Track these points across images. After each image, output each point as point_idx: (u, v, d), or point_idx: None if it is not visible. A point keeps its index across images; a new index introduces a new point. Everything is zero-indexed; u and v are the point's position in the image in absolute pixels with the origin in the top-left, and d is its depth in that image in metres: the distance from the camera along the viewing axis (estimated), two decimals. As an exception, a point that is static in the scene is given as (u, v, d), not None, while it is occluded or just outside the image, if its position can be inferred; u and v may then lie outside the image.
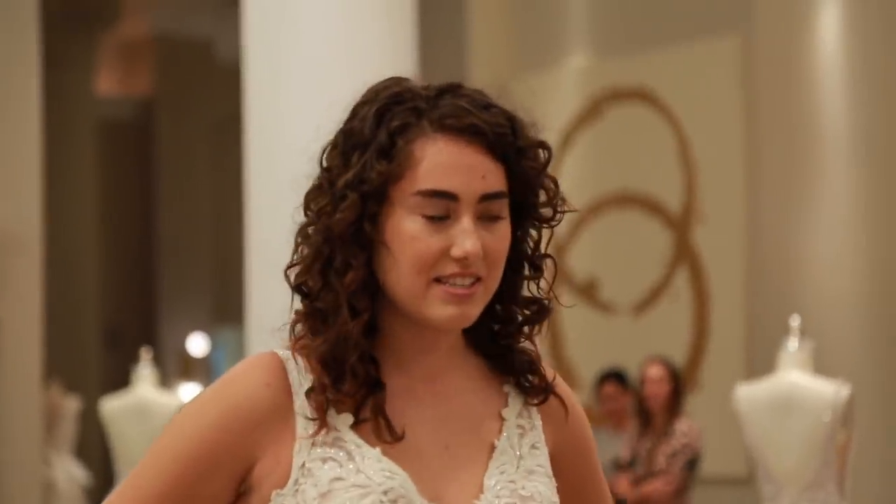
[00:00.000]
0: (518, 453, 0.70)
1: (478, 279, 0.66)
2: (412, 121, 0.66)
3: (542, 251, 0.72)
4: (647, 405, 4.56)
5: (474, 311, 0.68)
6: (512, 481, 0.69)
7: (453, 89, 0.69)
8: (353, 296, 0.66)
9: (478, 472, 0.69)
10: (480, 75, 6.64)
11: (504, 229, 0.68)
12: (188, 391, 8.42)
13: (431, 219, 0.65)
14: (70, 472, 6.98)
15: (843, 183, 5.45)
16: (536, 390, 0.73)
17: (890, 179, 5.37)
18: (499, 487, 0.68)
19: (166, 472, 0.67)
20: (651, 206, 6.39)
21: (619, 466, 4.45)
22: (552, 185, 0.71)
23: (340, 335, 0.65)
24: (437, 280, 0.65)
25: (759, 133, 5.82)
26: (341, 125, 0.70)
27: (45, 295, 6.56)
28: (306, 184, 0.72)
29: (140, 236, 11.39)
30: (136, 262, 11.41)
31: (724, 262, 6.08)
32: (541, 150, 0.70)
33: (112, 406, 5.59)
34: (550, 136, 0.69)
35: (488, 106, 0.67)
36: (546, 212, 0.71)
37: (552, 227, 0.73)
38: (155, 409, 5.17)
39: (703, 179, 6.16)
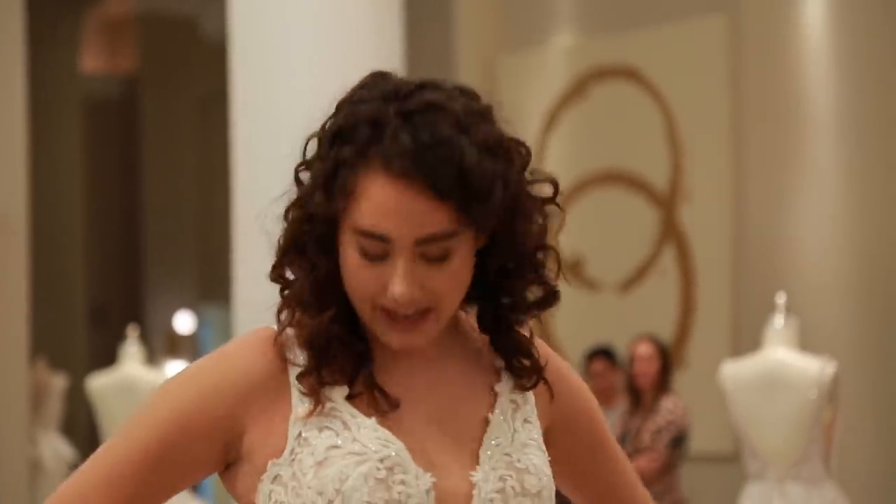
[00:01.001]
0: (512, 427, 0.71)
1: (427, 309, 0.66)
2: (361, 153, 0.64)
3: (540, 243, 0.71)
4: (637, 383, 4.58)
5: (422, 338, 0.68)
6: (507, 454, 0.69)
7: (423, 110, 0.65)
8: (318, 293, 0.67)
9: (472, 444, 0.69)
10: (467, 54, 6.62)
11: (454, 266, 0.66)
12: (174, 368, 8.43)
13: (369, 256, 0.65)
14: (57, 450, 7.00)
15: (829, 162, 5.48)
16: (528, 372, 0.73)
17: (875, 158, 5.40)
18: (495, 459, 0.69)
19: (152, 435, 0.68)
20: (637, 185, 6.40)
21: None
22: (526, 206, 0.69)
23: (315, 326, 0.67)
24: (383, 308, 0.66)
25: (746, 111, 5.84)
26: (317, 132, 0.69)
27: (30, 272, 6.53)
28: (291, 164, 0.71)
29: (126, 214, 11.32)
30: (123, 239, 11.36)
31: (711, 239, 6.11)
32: (496, 182, 0.65)
33: (99, 383, 5.59)
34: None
35: (443, 142, 0.63)
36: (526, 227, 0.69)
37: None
38: (142, 386, 5.18)
39: (689, 158, 6.17)
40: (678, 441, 4.42)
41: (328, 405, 0.67)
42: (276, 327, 0.70)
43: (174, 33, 10.71)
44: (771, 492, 4.23)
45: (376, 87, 0.67)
